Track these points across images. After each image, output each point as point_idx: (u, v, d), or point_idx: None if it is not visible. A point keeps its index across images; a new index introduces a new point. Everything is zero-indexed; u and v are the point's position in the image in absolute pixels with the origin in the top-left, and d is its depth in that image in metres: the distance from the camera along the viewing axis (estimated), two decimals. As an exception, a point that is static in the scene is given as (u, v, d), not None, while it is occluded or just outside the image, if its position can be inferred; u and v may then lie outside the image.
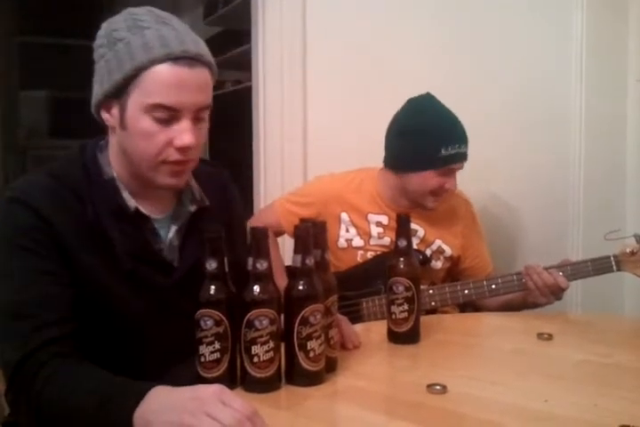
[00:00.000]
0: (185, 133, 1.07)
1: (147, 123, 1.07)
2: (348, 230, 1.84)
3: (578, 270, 1.61)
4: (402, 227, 1.31)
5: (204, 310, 1.00)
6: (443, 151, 1.73)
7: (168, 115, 1.06)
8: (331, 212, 1.84)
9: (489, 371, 1.20)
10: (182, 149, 1.09)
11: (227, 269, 1.03)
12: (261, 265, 1.01)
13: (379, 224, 1.83)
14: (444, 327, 1.45)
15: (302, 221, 1.14)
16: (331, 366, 1.11)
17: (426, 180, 1.76)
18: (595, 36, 2.00)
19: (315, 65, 2.22)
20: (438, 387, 1.04)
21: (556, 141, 2.09)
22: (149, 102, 1.05)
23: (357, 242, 1.84)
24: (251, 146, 2.35)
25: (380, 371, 1.21)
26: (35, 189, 1.10)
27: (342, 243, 1.84)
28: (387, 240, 1.81)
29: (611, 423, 0.91)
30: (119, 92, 1.08)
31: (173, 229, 1.19)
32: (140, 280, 1.11)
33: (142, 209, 1.15)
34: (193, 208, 1.20)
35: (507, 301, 1.71)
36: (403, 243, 1.30)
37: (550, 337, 1.33)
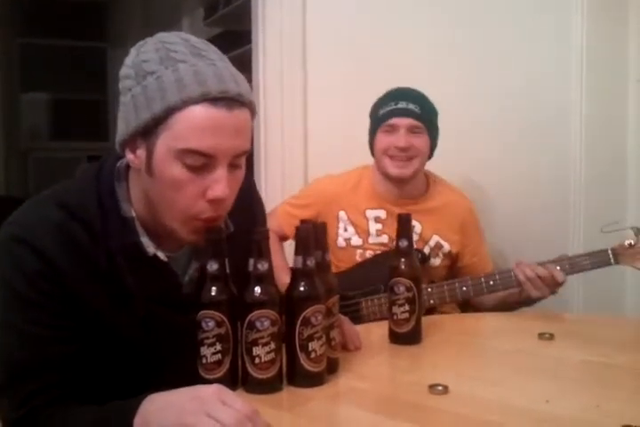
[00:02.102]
0: (219, 183, 0.96)
1: (177, 170, 0.95)
2: (346, 229, 1.86)
3: (575, 264, 1.60)
4: (403, 227, 1.31)
5: (205, 312, 1.00)
6: (381, 111, 1.83)
7: (201, 161, 0.95)
8: (330, 212, 1.86)
9: (490, 371, 1.20)
10: (215, 202, 0.98)
11: (228, 271, 1.03)
12: (262, 266, 1.01)
13: (377, 220, 1.84)
14: (445, 328, 1.45)
15: (302, 222, 1.14)
16: (332, 367, 1.11)
17: (377, 143, 1.85)
18: (595, 36, 2.00)
19: (315, 66, 2.22)
20: (440, 387, 1.04)
21: (557, 141, 2.09)
22: (181, 147, 0.94)
23: (356, 241, 1.85)
24: (251, 148, 2.35)
25: (381, 372, 1.21)
26: (41, 226, 0.98)
27: (341, 242, 1.86)
28: (385, 238, 1.82)
29: (612, 424, 0.91)
30: (146, 133, 0.96)
31: (194, 266, 1.09)
32: (156, 322, 1.03)
33: (160, 251, 1.05)
34: None
35: (503, 297, 1.70)
36: (404, 243, 1.30)
37: (551, 337, 1.33)
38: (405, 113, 1.79)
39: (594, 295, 1.72)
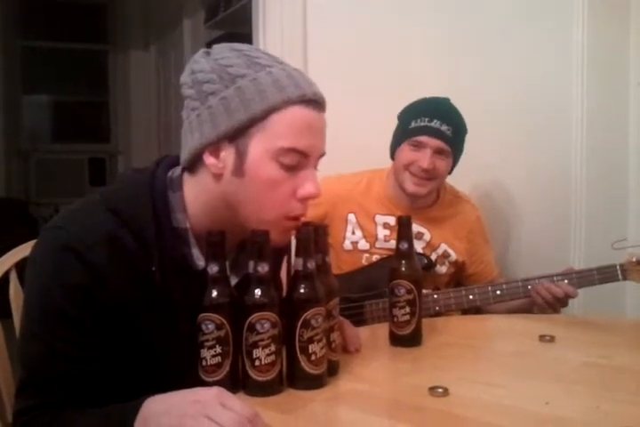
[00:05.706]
0: (310, 182, 1.01)
1: (273, 169, 0.98)
2: (354, 232, 1.84)
3: (584, 279, 1.61)
4: (403, 229, 1.31)
5: (205, 314, 1.00)
6: (413, 123, 1.76)
7: (297, 161, 0.99)
8: (338, 212, 1.85)
9: (490, 373, 1.20)
10: (305, 200, 1.02)
11: (228, 273, 1.03)
12: (262, 268, 1.01)
13: (386, 226, 1.83)
14: (445, 330, 1.45)
15: (304, 224, 1.14)
16: (332, 370, 1.11)
17: (401, 154, 1.79)
18: (596, 39, 2.00)
19: (316, 68, 2.22)
20: (440, 390, 1.03)
21: (558, 144, 2.09)
22: (281, 146, 0.97)
23: (363, 245, 1.84)
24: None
25: (381, 374, 1.21)
26: (91, 233, 0.95)
27: (348, 245, 1.84)
28: (393, 244, 1.80)
29: (613, 426, 0.91)
30: (237, 135, 0.97)
31: (234, 281, 1.07)
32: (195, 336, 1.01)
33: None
34: None
35: (511, 309, 1.70)
36: (404, 245, 1.30)
37: (552, 339, 1.33)
38: (437, 134, 1.74)
39: (594, 295, 1.72)
